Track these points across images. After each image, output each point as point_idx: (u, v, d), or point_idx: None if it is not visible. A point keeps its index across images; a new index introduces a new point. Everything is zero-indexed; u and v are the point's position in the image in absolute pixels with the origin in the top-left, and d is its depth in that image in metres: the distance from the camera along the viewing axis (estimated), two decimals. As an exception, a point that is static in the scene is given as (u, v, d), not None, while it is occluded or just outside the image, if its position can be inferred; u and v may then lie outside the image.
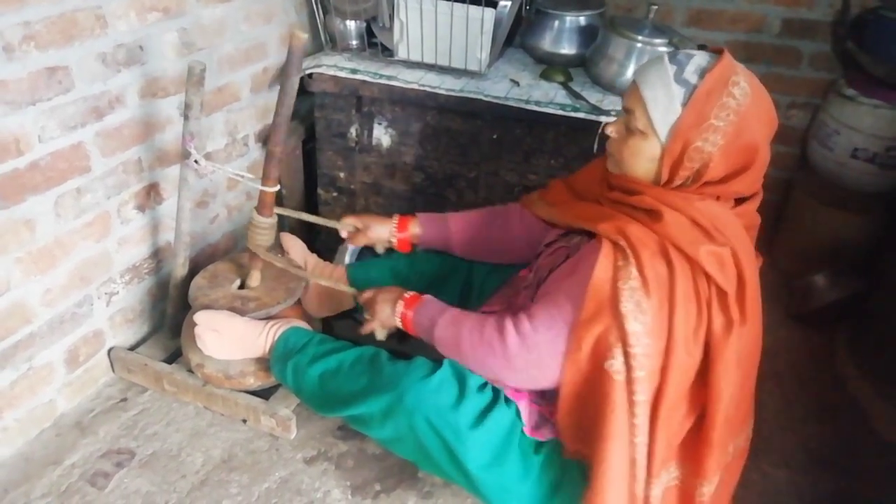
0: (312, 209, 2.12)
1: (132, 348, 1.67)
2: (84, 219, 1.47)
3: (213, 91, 1.75)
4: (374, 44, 1.93)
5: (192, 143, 1.45)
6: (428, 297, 1.30)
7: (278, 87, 1.34)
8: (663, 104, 1.07)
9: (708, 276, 1.05)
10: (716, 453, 1.10)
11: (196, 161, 1.46)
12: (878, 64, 1.88)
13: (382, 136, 1.92)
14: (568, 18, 1.94)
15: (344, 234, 1.57)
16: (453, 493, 1.41)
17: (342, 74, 1.83)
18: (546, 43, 1.96)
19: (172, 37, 1.57)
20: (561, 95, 1.78)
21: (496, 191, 1.89)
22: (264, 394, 1.54)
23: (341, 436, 1.53)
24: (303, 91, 1.87)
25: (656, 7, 1.79)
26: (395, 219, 1.54)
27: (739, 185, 1.11)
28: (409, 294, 1.31)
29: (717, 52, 1.09)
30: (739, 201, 1.16)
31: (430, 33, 1.80)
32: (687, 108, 1.05)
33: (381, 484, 1.43)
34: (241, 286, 1.60)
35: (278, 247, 1.68)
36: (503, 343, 1.13)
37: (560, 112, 1.71)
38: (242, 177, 1.49)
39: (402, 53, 1.86)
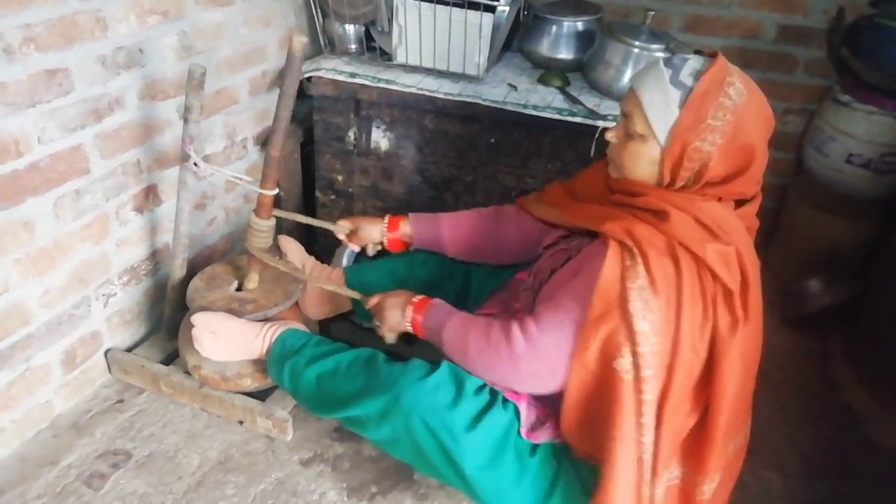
0: (310, 212, 2.13)
1: (129, 350, 1.68)
2: (83, 220, 1.48)
3: (212, 94, 1.76)
4: (373, 48, 1.94)
5: (191, 146, 1.45)
6: (436, 300, 1.30)
7: (277, 91, 1.35)
8: (661, 107, 1.08)
9: (714, 275, 1.07)
10: (718, 452, 1.12)
11: (195, 164, 1.47)
12: (873, 70, 1.89)
13: (381, 139, 1.93)
14: (565, 23, 1.95)
15: (341, 237, 1.58)
16: (448, 495, 1.41)
17: (341, 78, 1.84)
18: (544, 48, 1.97)
19: (172, 40, 1.58)
20: (558, 100, 1.79)
21: (494, 194, 1.90)
22: (261, 395, 1.54)
23: (338, 437, 1.53)
24: (301, 94, 1.88)
25: (653, 13, 1.80)
26: (386, 219, 1.55)
27: (740, 186, 1.12)
28: (417, 298, 1.31)
29: (711, 56, 1.10)
30: (739, 203, 1.17)
31: (429, 37, 1.81)
32: (684, 110, 1.06)
33: (378, 486, 1.43)
34: (239, 288, 1.61)
35: (276, 249, 1.68)
36: (510, 347, 1.13)
37: (557, 116, 1.72)
38: (241, 179, 1.50)
39: (400, 57, 1.87)
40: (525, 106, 1.74)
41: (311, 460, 1.48)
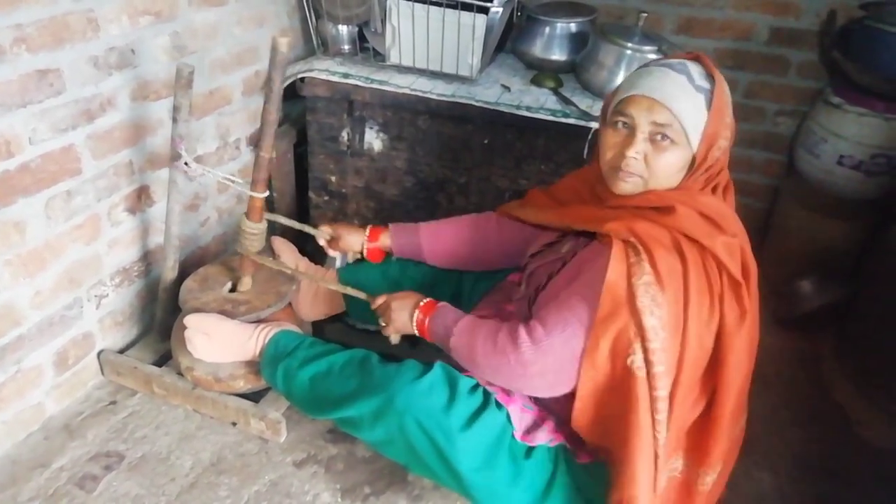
0: (303, 213, 2.13)
1: (122, 351, 1.67)
2: (74, 221, 1.47)
3: (204, 94, 1.75)
4: (366, 48, 1.93)
5: (181, 146, 1.45)
6: (443, 304, 1.30)
7: (268, 93, 1.35)
8: (693, 113, 1.10)
9: (720, 267, 1.08)
10: (722, 442, 1.13)
11: (186, 163, 1.46)
12: (864, 73, 1.90)
13: (374, 140, 1.92)
14: (559, 25, 1.95)
15: (322, 242, 1.59)
16: (443, 495, 1.41)
17: (334, 79, 1.84)
18: (537, 49, 1.98)
19: (164, 40, 1.57)
20: (551, 101, 1.80)
21: (487, 196, 1.90)
22: (254, 397, 1.54)
23: (331, 439, 1.53)
24: (295, 95, 1.89)
25: (646, 15, 1.81)
26: (367, 229, 1.56)
27: (722, 164, 1.17)
28: (424, 301, 1.31)
29: (694, 59, 1.15)
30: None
31: (422, 38, 1.81)
32: (712, 114, 1.10)
33: (371, 487, 1.43)
34: (232, 289, 1.60)
35: (269, 251, 1.68)
36: (517, 351, 1.13)
37: (551, 118, 1.73)
38: (232, 181, 1.50)
39: (393, 58, 1.87)
40: (518, 107, 1.75)
41: (305, 462, 1.48)
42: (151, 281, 1.74)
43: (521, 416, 1.22)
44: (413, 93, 1.80)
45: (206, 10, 1.68)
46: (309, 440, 1.53)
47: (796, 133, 2.21)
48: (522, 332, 1.14)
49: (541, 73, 1.94)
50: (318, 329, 1.73)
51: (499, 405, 1.21)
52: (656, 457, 1.09)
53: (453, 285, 1.57)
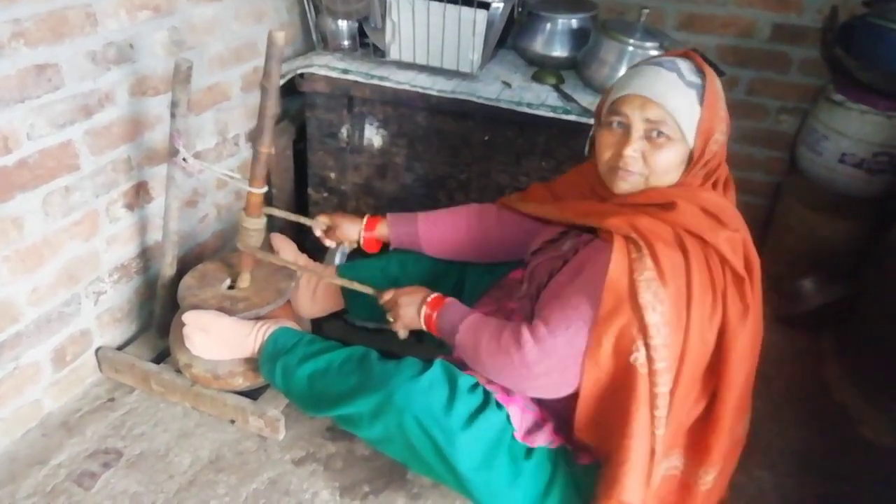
0: (302, 209, 2.12)
1: (120, 348, 1.66)
2: (72, 217, 1.46)
3: (203, 90, 1.74)
4: (366, 44, 1.92)
5: (179, 141, 1.44)
6: (450, 299, 1.30)
7: (266, 89, 1.34)
8: (687, 109, 1.11)
9: (723, 263, 1.08)
10: (723, 440, 1.13)
11: (184, 159, 1.45)
12: (866, 70, 1.89)
13: (374, 136, 1.92)
14: (560, 21, 1.94)
15: (318, 233, 1.58)
16: (442, 494, 1.41)
17: (333, 74, 1.83)
18: (538, 45, 1.97)
19: (163, 35, 1.56)
20: (552, 97, 1.79)
21: (487, 192, 1.89)
22: (253, 394, 1.53)
23: (330, 436, 1.53)
24: (294, 91, 1.88)
25: (648, 11, 1.80)
26: (365, 219, 1.55)
27: (721, 159, 1.17)
28: (432, 296, 1.31)
29: (686, 56, 1.16)
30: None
31: (422, 34, 1.80)
32: (705, 109, 1.11)
33: (370, 485, 1.43)
34: (231, 286, 1.60)
35: (268, 247, 1.67)
36: (521, 351, 1.13)
37: (551, 114, 1.72)
38: (231, 177, 1.49)
39: (393, 54, 1.86)
40: (519, 103, 1.74)
41: (304, 459, 1.48)
42: (150, 277, 1.73)
43: (521, 416, 1.21)
44: (413, 89, 1.79)
45: (205, 5, 1.67)
46: (308, 438, 1.52)
47: (798, 130, 2.20)
48: (526, 332, 1.13)
49: (542, 69, 1.93)
50: (318, 326, 1.73)
51: (499, 405, 1.20)
52: (653, 452, 1.08)
53: (454, 281, 1.56)
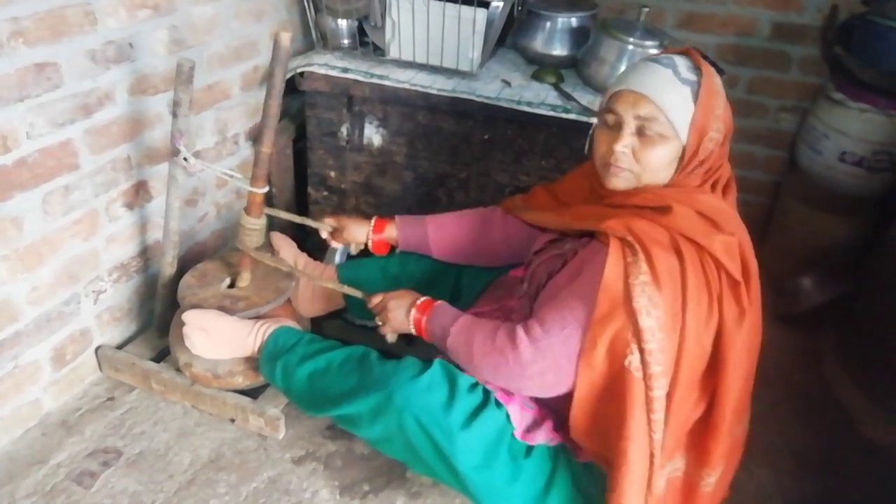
0: (302, 208, 2.12)
1: (120, 347, 1.66)
2: (72, 216, 1.46)
3: (203, 89, 1.74)
4: (366, 43, 1.92)
5: (180, 141, 1.44)
6: (440, 303, 1.29)
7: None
8: (680, 106, 1.10)
9: (719, 267, 1.07)
10: (723, 442, 1.13)
11: (185, 159, 1.45)
12: (866, 68, 1.89)
13: (373, 135, 1.91)
14: (560, 19, 1.94)
15: (324, 234, 1.58)
16: (441, 493, 1.41)
17: (333, 73, 1.83)
18: (538, 44, 1.96)
19: (162, 34, 1.56)
20: (552, 96, 1.79)
21: (487, 191, 1.89)
22: (253, 393, 1.53)
23: (330, 436, 1.53)
24: (294, 90, 1.88)
25: (647, 9, 1.80)
26: (373, 221, 1.54)
27: (721, 160, 1.17)
28: (421, 300, 1.30)
29: (685, 53, 1.16)
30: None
31: (422, 33, 1.80)
32: (699, 106, 1.10)
33: (370, 484, 1.43)
34: (231, 285, 1.60)
35: (268, 247, 1.67)
36: (516, 351, 1.13)
37: (551, 113, 1.72)
38: (232, 176, 1.49)
39: (393, 53, 1.86)
40: (519, 102, 1.73)
41: (304, 458, 1.48)
42: (150, 277, 1.73)
43: (521, 415, 1.21)
44: (413, 88, 1.78)
45: (204, 4, 1.67)
46: (308, 437, 1.52)
47: (798, 129, 2.20)
48: (521, 331, 1.13)
49: (541, 68, 1.93)
50: (317, 325, 1.73)
51: (498, 404, 1.20)
52: (652, 457, 1.08)
53: (453, 282, 1.56)
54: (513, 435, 1.20)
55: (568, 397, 1.14)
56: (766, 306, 1.18)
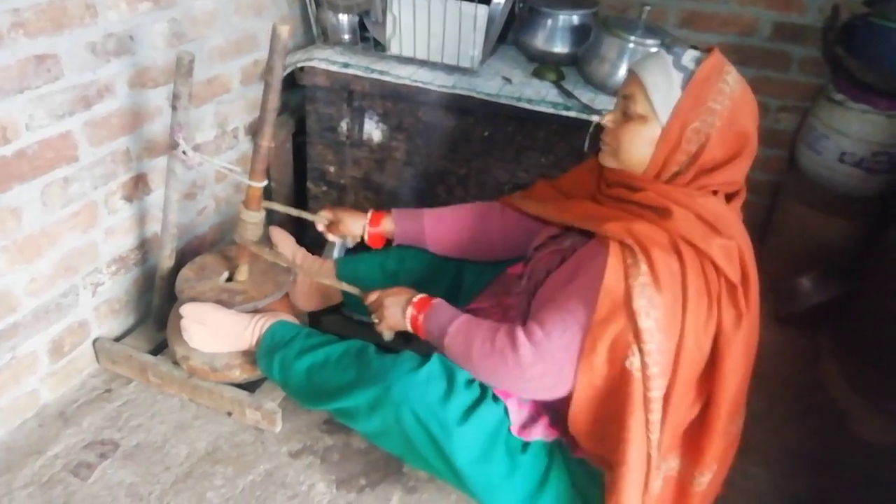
0: (302, 203, 2.12)
1: (117, 339, 1.66)
2: (71, 208, 1.46)
3: (202, 82, 1.74)
4: (367, 38, 1.92)
5: (180, 134, 1.44)
6: (438, 301, 1.28)
7: (268, 81, 1.34)
8: (664, 88, 1.11)
9: (718, 270, 1.07)
10: (717, 443, 1.13)
11: (184, 152, 1.45)
12: (867, 69, 1.89)
13: (373, 130, 1.91)
14: (561, 17, 1.94)
15: (320, 227, 1.58)
16: (438, 487, 1.41)
17: (334, 68, 1.83)
18: (539, 41, 1.96)
19: (163, 27, 1.56)
20: (553, 94, 1.79)
21: (487, 188, 1.89)
22: (250, 387, 1.53)
23: (327, 429, 1.53)
24: (294, 84, 1.88)
25: (649, 8, 1.79)
26: (369, 214, 1.54)
27: (730, 173, 1.14)
28: (418, 297, 1.29)
29: (708, 51, 1.14)
30: (727, 199, 1.18)
31: (423, 29, 1.79)
32: (686, 91, 1.10)
33: (367, 478, 1.43)
34: (229, 279, 1.60)
35: (267, 241, 1.67)
36: (516, 354, 1.12)
37: (552, 110, 1.72)
38: (231, 169, 1.49)
39: (394, 49, 1.86)
40: (519, 99, 1.74)
41: (300, 452, 1.48)
42: (148, 269, 1.73)
43: (517, 410, 1.22)
44: (413, 84, 1.78)
45: (206, -3, 1.67)
46: (305, 431, 1.52)
47: (798, 129, 2.20)
48: (521, 334, 1.13)
49: (542, 65, 1.93)
50: (315, 320, 1.73)
51: (496, 398, 1.21)
52: (649, 458, 1.09)
53: (451, 278, 1.56)
54: (509, 430, 1.20)
55: (566, 397, 1.14)
56: (764, 306, 1.18)
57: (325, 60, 1.84)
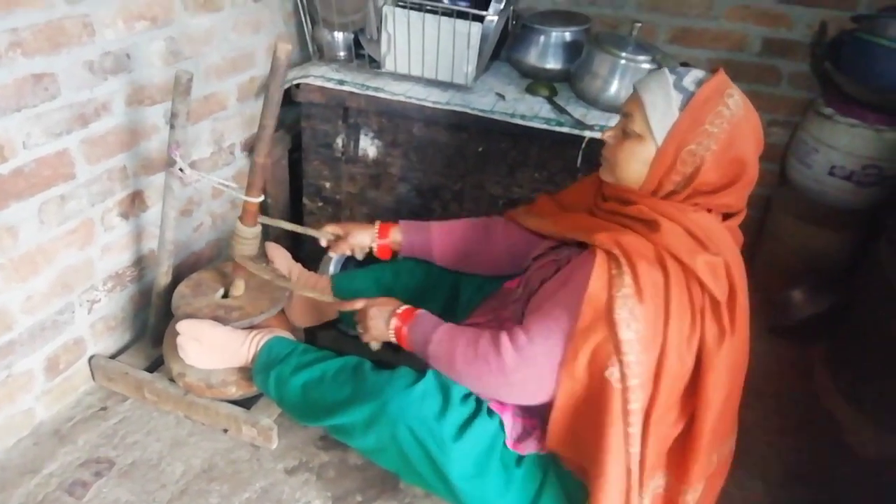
0: (297, 219, 2.13)
1: (113, 356, 1.66)
2: (67, 226, 1.47)
3: (199, 99, 1.75)
4: (362, 55, 1.94)
5: (177, 152, 1.45)
6: (421, 311, 1.29)
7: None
8: (662, 108, 1.11)
9: (702, 286, 1.07)
10: (702, 461, 1.12)
11: (181, 169, 1.46)
12: (854, 84, 1.92)
13: (369, 146, 1.93)
14: (553, 34, 1.96)
15: (324, 243, 1.58)
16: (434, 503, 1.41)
17: (329, 85, 1.84)
18: (532, 57, 1.99)
19: (160, 45, 1.57)
20: (546, 110, 1.81)
21: (481, 203, 1.90)
22: (246, 403, 1.53)
23: (323, 446, 1.53)
24: (290, 101, 1.89)
25: (640, 24, 1.82)
26: (377, 225, 1.55)
27: (728, 198, 1.14)
28: (402, 308, 1.30)
29: (713, 72, 1.14)
30: (725, 217, 1.19)
31: (418, 46, 1.81)
32: (684, 112, 1.09)
33: (363, 495, 1.43)
34: (225, 295, 1.60)
35: (263, 256, 1.68)
36: (499, 358, 1.13)
37: (545, 126, 1.73)
38: (227, 186, 1.50)
39: (389, 65, 1.88)
40: (513, 115, 1.75)
41: (297, 469, 1.48)
42: (144, 286, 1.73)
43: (512, 424, 1.22)
44: (408, 100, 1.80)
45: (202, 16, 1.68)
46: (301, 447, 1.52)
47: (788, 143, 2.22)
48: (505, 339, 1.14)
49: (535, 81, 1.95)
50: (311, 336, 1.73)
51: (491, 412, 1.21)
52: (629, 472, 1.09)
53: (448, 292, 1.57)
54: (504, 444, 1.20)
55: (548, 401, 1.15)
56: (757, 319, 1.18)
57: (321, 77, 1.85)
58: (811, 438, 1.68)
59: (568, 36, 1.97)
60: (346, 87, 1.84)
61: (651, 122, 1.12)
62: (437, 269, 1.57)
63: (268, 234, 1.91)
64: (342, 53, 1.97)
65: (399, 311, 1.30)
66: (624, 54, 1.79)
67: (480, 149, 1.83)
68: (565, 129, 1.73)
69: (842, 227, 2.04)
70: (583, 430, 1.12)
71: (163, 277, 1.61)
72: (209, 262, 1.98)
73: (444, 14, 1.73)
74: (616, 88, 1.80)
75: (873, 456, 1.64)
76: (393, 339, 1.31)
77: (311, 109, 1.91)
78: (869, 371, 1.70)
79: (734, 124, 1.09)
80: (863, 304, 1.79)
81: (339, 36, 1.95)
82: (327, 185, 2.01)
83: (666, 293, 1.06)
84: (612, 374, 1.06)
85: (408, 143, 1.89)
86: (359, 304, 1.36)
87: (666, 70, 1.14)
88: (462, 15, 1.73)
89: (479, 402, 1.22)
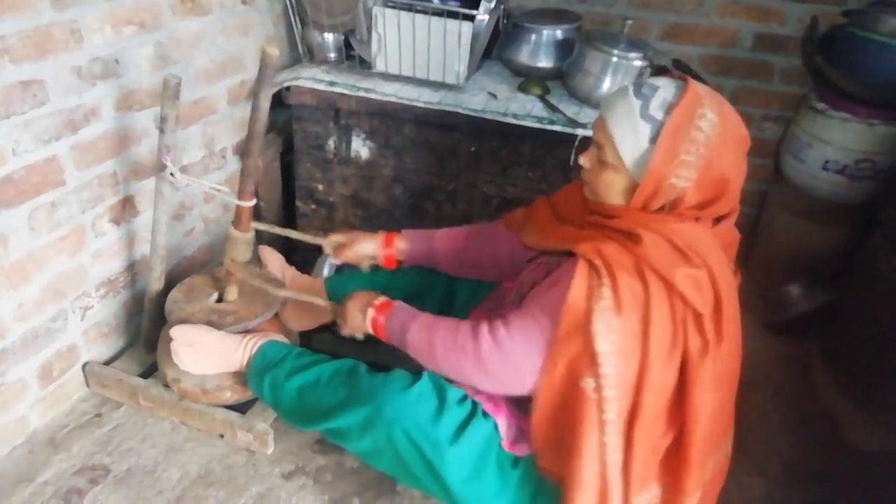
0: (291, 221, 2.12)
1: (107, 363, 1.65)
2: (58, 233, 1.46)
3: (189, 103, 1.74)
4: (352, 56, 1.93)
5: (167, 156, 1.44)
6: (399, 302, 1.31)
7: (254, 102, 1.34)
8: (631, 141, 1.08)
9: (684, 299, 1.06)
10: (695, 472, 1.11)
11: (171, 174, 1.45)
12: (847, 79, 1.92)
13: (361, 148, 1.92)
14: (545, 32, 1.96)
15: (327, 251, 1.56)
16: (431, 506, 1.41)
17: (320, 87, 1.84)
18: (523, 56, 1.98)
19: (148, 50, 1.57)
20: (538, 108, 1.80)
21: (474, 203, 1.90)
22: (241, 408, 1.53)
23: (319, 450, 1.52)
24: (281, 103, 1.88)
25: (631, 21, 1.82)
26: (381, 235, 1.54)
27: (715, 210, 1.13)
28: (379, 300, 1.31)
29: (682, 80, 1.10)
30: (717, 219, 1.17)
31: (408, 46, 1.81)
32: (657, 146, 1.05)
33: (360, 498, 1.43)
34: (219, 300, 1.59)
35: (256, 260, 1.67)
36: (476, 345, 1.14)
37: (537, 125, 1.73)
38: (219, 190, 1.49)
39: (379, 66, 1.87)
40: (505, 114, 1.75)
41: (293, 473, 1.47)
42: (137, 292, 1.73)
43: (507, 425, 1.22)
44: (399, 101, 1.80)
45: (190, 20, 1.67)
46: (297, 451, 1.52)
47: (782, 138, 2.22)
48: (485, 329, 1.15)
49: (527, 80, 1.95)
50: (306, 339, 1.72)
51: (486, 415, 1.21)
52: (605, 480, 1.08)
53: (444, 293, 1.56)
54: (500, 446, 1.20)
55: (526, 394, 1.15)
56: (753, 315, 1.18)
57: (312, 79, 1.85)
58: (809, 434, 1.68)
59: (559, 34, 1.97)
60: (336, 89, 1.83)
61: (622, 155, 1.09)
62: (432, 272, 1.56)
63: (261, 237, 1.91)
64: (332, 55, 1.97)
65: (376, 302, 1.30)
66: (616, 51, 1.78)
67: (473, 148, 1.83)
68: (558, 128, 1.73)
69: (836, 222, 2.05)
70: (559, 434, 1.12)
71: (155, 283, 1.60)
72: (202, 266, 1.97)
73: (434, 14, 1.73)
74: (608, 86, 1.79)
75: (870, 450, 1.64)
76: (370, 331, 1.31)
77: (303, 111, 1.90)
78: (867, 365, 1.71)
79: (711, 147, 1.05)
80: (858, 298, 1.79)
81: (329, 37, 1.95)
82: (320, 187, 2.01)
83: (646, 305, 1.05)
84: (588, 384, 1.06)
85: (400, 143, 1.88)
86: (344, 300, 1.36)
87: (631, 93, 1.09)
88: (452, 14, 1.72)
89: (474, 404, 1.21)
